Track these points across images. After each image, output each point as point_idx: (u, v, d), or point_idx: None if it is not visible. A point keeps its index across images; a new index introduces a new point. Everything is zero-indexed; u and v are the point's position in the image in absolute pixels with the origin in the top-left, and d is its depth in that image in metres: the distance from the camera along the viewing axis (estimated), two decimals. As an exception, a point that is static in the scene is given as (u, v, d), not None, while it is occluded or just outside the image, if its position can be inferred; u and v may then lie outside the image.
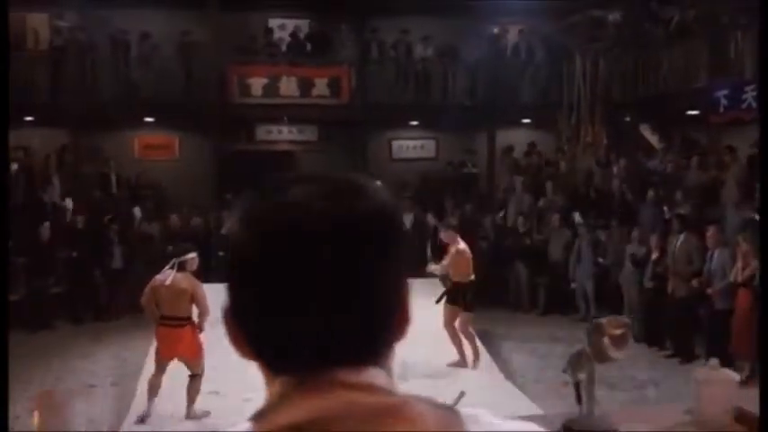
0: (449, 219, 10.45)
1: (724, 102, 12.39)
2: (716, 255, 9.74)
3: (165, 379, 7.35)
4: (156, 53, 15.84)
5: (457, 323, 9.01)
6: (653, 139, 15.09)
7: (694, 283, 9.96)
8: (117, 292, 12.33)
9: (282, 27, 17.20)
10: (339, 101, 16.17)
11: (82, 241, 12.42)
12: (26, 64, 15.31)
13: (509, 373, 9.16)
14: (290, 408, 0.81)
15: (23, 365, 9.10)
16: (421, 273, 10.08)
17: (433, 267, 9.34)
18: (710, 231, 9.90)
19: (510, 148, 16.76)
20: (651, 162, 14.12)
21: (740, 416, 1.45)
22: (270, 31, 16.90)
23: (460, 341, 8.91)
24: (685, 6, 13.70)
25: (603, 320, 2.91)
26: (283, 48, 16.70)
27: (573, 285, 12.62)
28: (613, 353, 2.90)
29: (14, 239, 11.75)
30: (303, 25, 17.18)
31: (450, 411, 0.84)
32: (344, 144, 16.81)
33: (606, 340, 2.87)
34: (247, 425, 0.83)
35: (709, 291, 9.69)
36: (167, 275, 7.20)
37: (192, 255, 7.40)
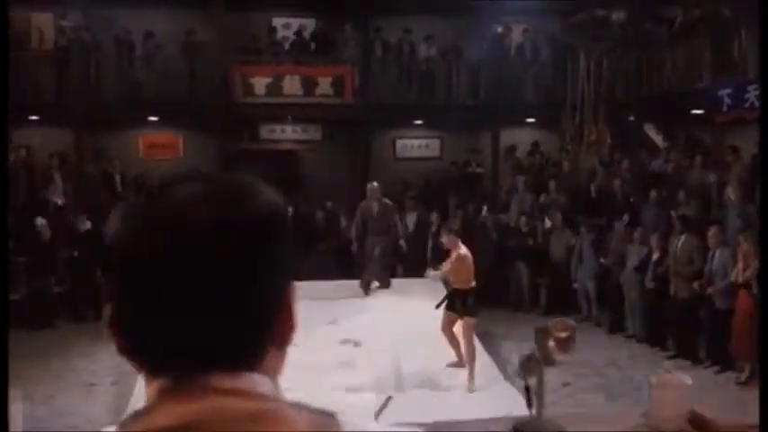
0: (450, 222, 10.07)
1: (727, 101, 12.35)
2: (717, 254, 9.71)
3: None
4: (160, 53, 15.87)
5: (459, 330, 8.82)
6: (657, 138, 15.06)
7: (696, 286, 9.92)
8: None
9: (287, 26, 17.21)
10: (343, 100, 16.17)
11: (83, 241, 12.46)
12: (31, 64, 15.40)
13: (508, 374, 9.14)
14: (160, 412, 0.81)
15: (23, 364, 9.14)
16: (421, 273, 10.07)
17: (431, 273, 9.16)
18: (712, 231, 9.87)
19: (512, 148, 16.73)
20: (654, 162, 14.08)
21: (694, 419, 1.44)
22: (273, 30, 16.91)
23: (458, 343, 8.81)
24: (689, 6, 13.65)
25: (549, 323, 2.90)
26: (287, 47, 16.72)
27: (575, 285, 12.59)
28: (558, 355, 2.90)
29: (16, 239, 11.81)
30: (308, 24, 17.18)
31: (326, 417, 0.83)
32: (348, 143, 16.81)
33: (552, 343, 2.87)
34: (113, 427, 0.83)
35: (710, 290, 9.66)
36: None
37: None
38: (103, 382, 8.96)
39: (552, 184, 14.66)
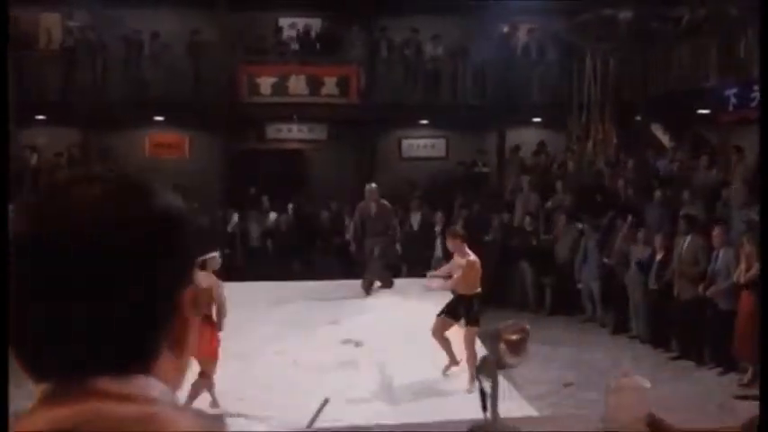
0: (455, 227, 9.59)
1: (733, 100, 12.30)
2: (720, 254, 9.64)
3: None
4: (166, 52, 15.92)
5: (454, 333, 8.54)
6: (664, 138, 14.99)
7: (700, 290, 9.84)
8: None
9: (293, 26, 17.23)
10: (348, 100, 16.18)
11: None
12: (38, 63, 15.48)
13: (508, 374, 9.09)
14: (39, 416, 0.80)
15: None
16: (424, 273, 9.99)
17: (435, 285, 8.82)
18: (716, 231, 9.80)
19: (516, 148, 16.67)
20: (660, 161, 14.02)
21: (651, 423, 1.42)
22: (279, 29, 16.94)
23: (449, 343, 8.61)
24: (695, 5, 13.59)
25: (501, 326, 2.87)
26: (293, 46, 16.73)
27: (579, 286, 12.54)
28: (510, 359, 2.86)
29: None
30: (314, 24, 17.19)
31: (212, 420, 0.82)
32: (354, 143, 16.82)
33: (503, 346, 2.83)
34: None
35: (709, 292, 9.59)
36: None
37: (214, 254, 7.51)
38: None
39: (559, 185, 14.61)
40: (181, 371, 0.89)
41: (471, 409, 7.55)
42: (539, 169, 15.92)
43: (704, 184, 12.36)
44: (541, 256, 13.15)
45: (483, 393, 2.94)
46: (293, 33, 17.04)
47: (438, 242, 13.11)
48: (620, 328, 11.63)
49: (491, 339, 2.84)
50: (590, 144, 15.42)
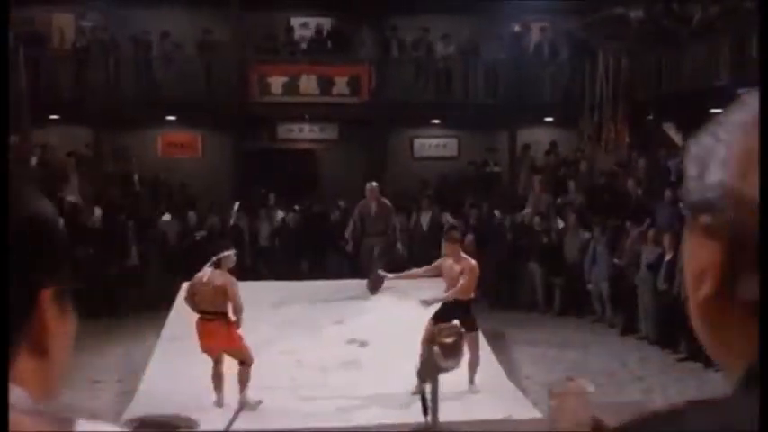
0: (453, 231, 9.16)
1: (746, 100, 12.15)
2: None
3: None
4: (178, 52, 15.99)
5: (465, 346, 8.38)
6: (677, 137, 14.85)
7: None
8: (132, 290, 12.51)
9: (305, 26, 17.24)
10: (359, 99, 16.17)
11: (100, 239, 12.58)
12: (51, 63, 15.58)
13: (512, 374, 9.06)
14: None
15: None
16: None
17: (429, 299, 8.31)
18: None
19: (527, 147, 16.59)
20: (671, 161, 13.90)
21: (596, 427, 1.40)
22: (290, 29, 16.95)
23: None
24: (707, 4, 13.46)
25: (435, 329, 2.83)
26: (303, 46, 16.74)
27: (589, 286, 12.45)
28: (443, 362, 2.82)
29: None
30: (325, 24, 17.20)
31: (61, 422, 0.80)
32: (365, 142, 16.80)
33: (437, 349, 2.79)
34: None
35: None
36: (206, 272, 7.54)
37: (229, 252, 7.69)
38: (109, 379, 9.04)
39: (572, 185, 14.52)
40: (47, 374, 0.87)
41: (473, 410, 7.55)
42: (549, 169, 15.83)
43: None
44: (551, 256, 13.07)
45: (423, 397, 2.91)
46: (304, 33, 17.05)
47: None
48: (629, 328, 11.54)
49: (426, 343, 2.81)
50: (602, 143, 15.33)
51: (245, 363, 7.59)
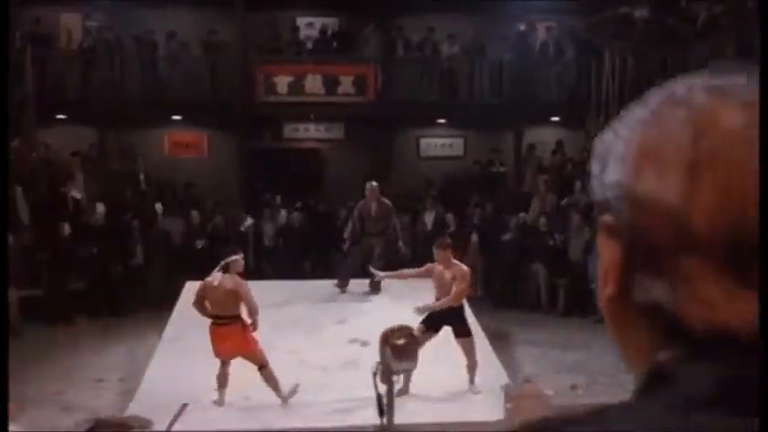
0: (445, 238, 8.82)
1: (752, 99, 12.11)
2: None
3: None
4: (184, 52, 16.03)
5: (461, 351, 8.16)
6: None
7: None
8: (136, 289, 12.56)
9: (310, 25, 17.26)
10: (365, 99, 16.17)
11: (104, 238, 12.62)
12: (59, 63, 15.66)
13: (514, 374, 9.05)
14: None
15: (37, 360, 9.31)
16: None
17: (422, 307, 8.19)
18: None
19: (532, 147, 16.55)
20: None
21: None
22: (296, 29, 16.97)
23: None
24: (712, 3, 13.42)
25: (388, 330, 2.83)
26: (309, 46, 16.76)
27: (592, 286, 12.42)
28: (396, 364, 2.81)
29: (37, 236, 12.03)
30: (331, 23, 17.21)
31: None
32: (371, 142, 16.79)
33: (388, 351, 2.79)
34: None
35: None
36: (216, 277, 7.53)
37: (237, 257, 7.70)
38: (111, 377, 9.08)
39: (578, 184, 14.48)
40: None
41: (473, 411, 7.55)
42: (555, 169, 15.80)
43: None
44: (555, 256, 13.05)
45: (379, 398, 2.91)
46: (310, 33, 17.07)
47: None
48: (633, 329, 11.50)
49: (380, 344, 2.81)
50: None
51: (263, 366, 7.57)
